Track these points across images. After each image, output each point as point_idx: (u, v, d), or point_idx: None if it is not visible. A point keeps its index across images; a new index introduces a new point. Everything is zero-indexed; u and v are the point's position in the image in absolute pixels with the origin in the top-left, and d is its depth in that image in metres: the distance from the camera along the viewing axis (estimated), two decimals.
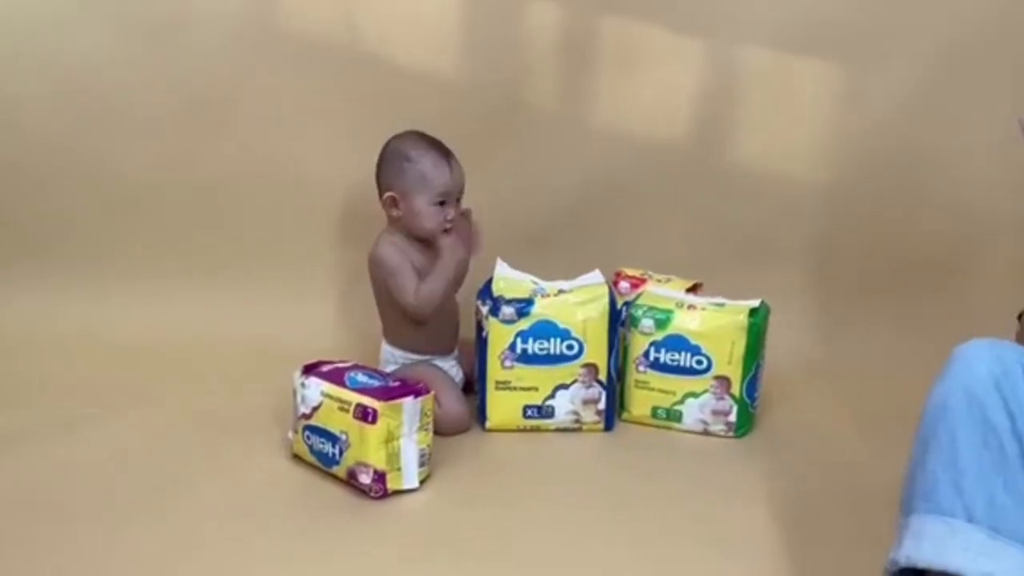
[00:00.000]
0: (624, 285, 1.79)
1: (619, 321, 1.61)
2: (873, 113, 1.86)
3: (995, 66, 1.81)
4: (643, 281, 1.78)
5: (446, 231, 1.60)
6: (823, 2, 1.85)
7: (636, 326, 1.62)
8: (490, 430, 1.59)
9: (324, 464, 1.41)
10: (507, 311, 1.56)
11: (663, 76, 1.90)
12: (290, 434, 1.46)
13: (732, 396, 1.58)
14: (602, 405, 1.60)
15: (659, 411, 1.62)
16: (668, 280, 1.78)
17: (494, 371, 1.58)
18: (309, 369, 1.45)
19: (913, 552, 0.92)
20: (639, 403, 1.63)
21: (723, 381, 1.58)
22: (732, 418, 1.59)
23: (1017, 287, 0.98)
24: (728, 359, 1.57)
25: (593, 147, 1.93)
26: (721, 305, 1.61)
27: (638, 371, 1.62)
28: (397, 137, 1.63)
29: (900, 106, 1.86)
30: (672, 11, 1.88)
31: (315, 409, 1.40)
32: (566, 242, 1.92)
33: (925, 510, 0.93)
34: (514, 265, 1.64)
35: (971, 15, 1.81)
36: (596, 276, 1.63)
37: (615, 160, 1.93)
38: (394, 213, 1.62)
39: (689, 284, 1.76)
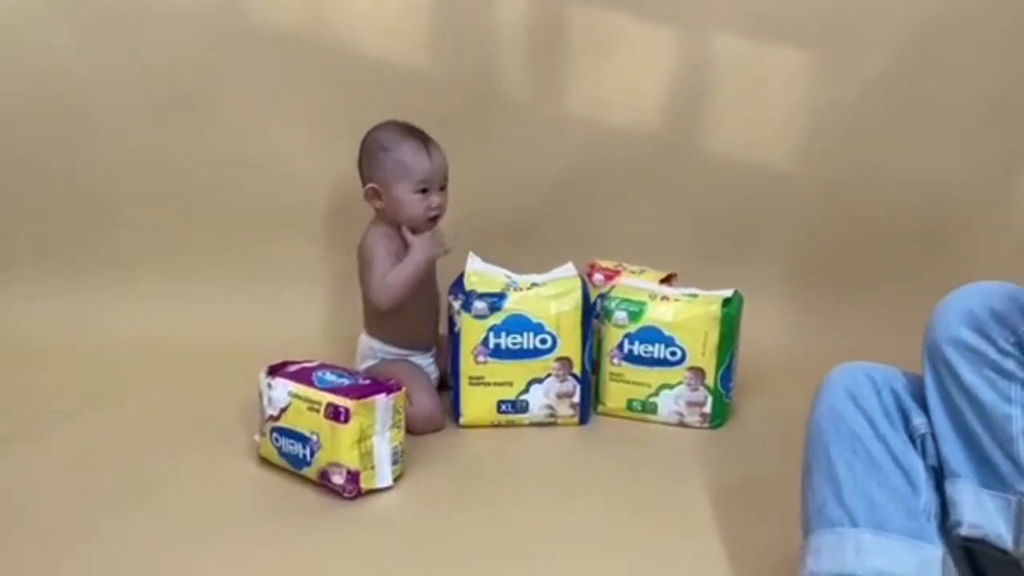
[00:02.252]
0: (598, 277, 1.78)
1: (593, 314, 1.60)
2: (846, 99, 1.86)
3: (963, 48, 1.81)
4: (617, 273, 1.77)
5: (433, 219, 1.59)
6: None
7: (610, 318, 1.61)
8: (464, 426, 1.58)
9: (294, 466, 1.39)
10: (479, 306, 1.55)
11: (636, 65, 1.89)
12: (257, 437, 1.44)
13: (707, 387, 1.58)
14: (577, 399, 1.59)
15: (634, 403, 1.61)
16: (642, 271, 1.77)
17: (467, 366, 1.56)
18: (275, 370, 1.43)
19: (815, 567, 0.98)
20: (614, 396, 1.62)
21: (697, 372, 1.57)
22: (707, 409, 1.59)
23: (995, 271, 1.02)
24: (702, 350, 1.57)
25: (566, 137, 1.92)
26: (694, 296, 1.60)
27: (612, 364, 1.61)
28: (376, 128, 1.61)
29: (872, 91, 1.86)
30: None
31: (283, 410, 1.38)
32: (539, 234, 1.91)
33: (818, 526, 1.00)
34: (487, 259, 1.63)
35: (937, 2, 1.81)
36: (569, 269, 1.62)
37: (588, 150, 1.92)
38: (377, 205, 1.60)
39: (663, 275, 1.75)
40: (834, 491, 0.98)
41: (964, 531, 0.94)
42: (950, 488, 0.97)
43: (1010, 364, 0.93)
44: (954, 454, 0.96)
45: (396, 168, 1.57)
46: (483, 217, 1.87)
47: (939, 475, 0.98)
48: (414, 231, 1.59)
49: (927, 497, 0.98)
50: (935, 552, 0.95)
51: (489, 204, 1.90)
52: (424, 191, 1.57)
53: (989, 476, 0.94)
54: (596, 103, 1.90)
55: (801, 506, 1.04)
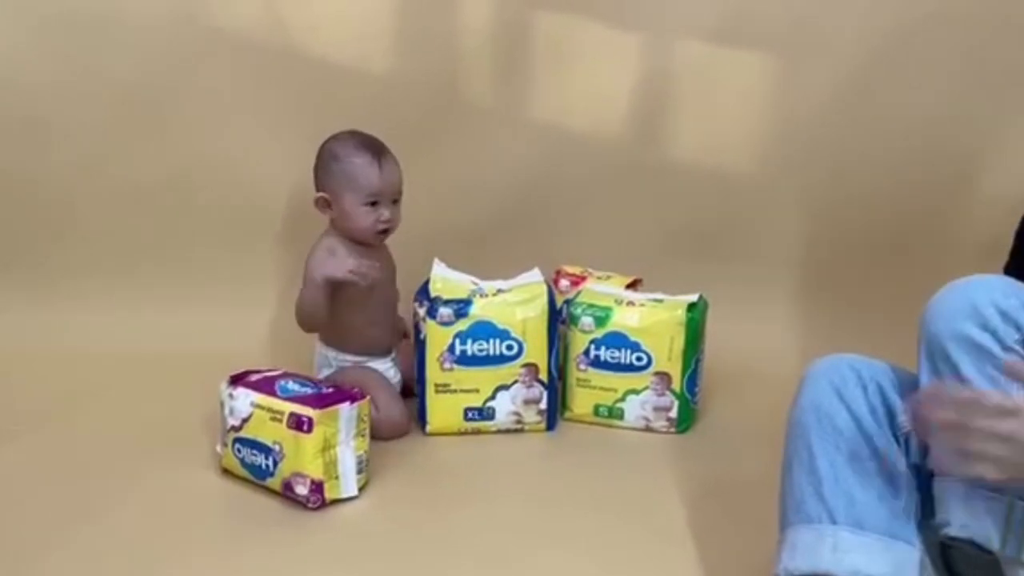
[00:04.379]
0: (564, 283, 1.78)
1: (559, 319, 1.59)
2: (807, 104, 1.87)
3: (925, 55, 1.83)
4: (583, 278, 1.77)
5: (382, 232, 1.58)
6: None
7: (576, 324, 1.61)
8: (431, 434, 1.57)
9: (257, 477, 1.36)
10: (444, 312, 1.54)
11: (599, 71, 1.89)
12: (219, 448, 1.41)
13: (673, 392, 1.58)
14: (543, 405, 1.58)
15: (601, 409, 1.61)
16: (608, 277, 1.77)
17: (433, 374, 1.55)
18: (236, 379, 1.40)
19: (790, 563, 0.97)
20: (581, 402, 1.62)
21: (663, 377, 1.57)
22: (673, 414, 1.59)
23: (963, 273, 1.03)
24: (668, 355, 1.57)
25: (531, 143, 1.91)
26: (660, 301, 1.60)
27: (579, 369, 1.61)
28: (332, 137, 1.60)
29: (833, 96, 1.87)
30: (607, 5, 1.87)
31: (245, 421, 1.36)
32: (505, 240, 1.90)
33: (796, 521, 0.99)
34: (452, 265, 1.62)
35: (897, 4, 1.83)
36: (535, 275, 1.62)
37: (553, 156, 1.92)
38: (328, 214, 1.59)
39: (629, 280, 1.76)
40: (814, 486, 0.97)
41: (953, 531, 0.93)
42: (938, 487, 0.95)
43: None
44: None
45: (346, 179, 1.55)
46: (449, 223, 1.85)
47: (920, 473, 0.97)
48: (364, 243, 1.58)
49: (908, 496, 0.97)
50: (913, 553, 0.95)
51: (454, 210, 1.89)
52: (374, 204, 1.56)
53: None
54: (561, 109, 1.90)
55: (780, 499, 1.02)
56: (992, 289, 0.93)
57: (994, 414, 0.80)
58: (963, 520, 0.92)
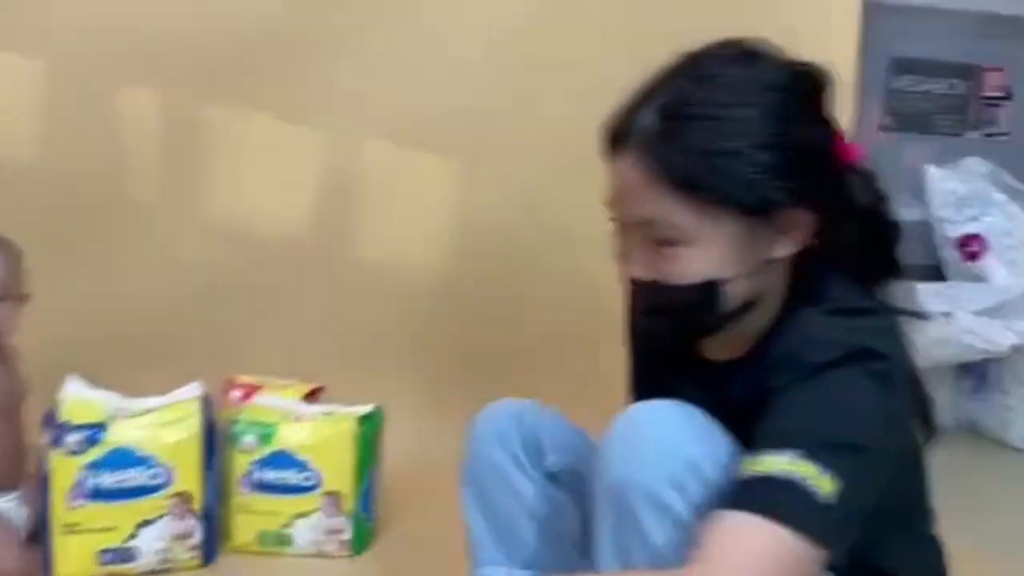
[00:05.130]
0: (235, 394, 1.63)
1: (215, 440, 1.44)
2: (490, 204, 1.88)
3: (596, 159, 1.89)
4: (257, 389, 1.63)
5: None
6: (439, 96, 1.85)
7: (236, 444, 1.46)
8: None
9: None
10: (72, 440, 1.34)
11: (280, 170, 1.81)
12: None
13: (345, 512, 1.46)
14: (197, 538, 1.41)
15: (267, 536, 1.46)
16: (286, 386, 1.64)
17: (60, 513, 1.33)
18: None
19: None
20: (244, 530, 1.46)
21: (334, 497, 1.46)
22: (346, 536, 1.47)
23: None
24: (338, 473, 1.46)
25: (205, 244, 1.79)
26: (330, 414, 1.50)
27: (241, 494, 1.46)
28: None
29: (519, 196, 1.89)
30: (285, 100, 1.80)
31: None
32: (172, 350, 1.73)
33: (475, 565, 1.08)
34: (110, 382, 1.43)
35: (574, 110, 1.89)
36: (192, 389, 1.46)
37: (229, 257, 1.80)
38: None
39: (308, 389, 1.64)
40: (487, 530, 1.06)
41: None
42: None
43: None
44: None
45: None
46: (101, 332, 1.67)
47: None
48: None
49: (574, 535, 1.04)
50: None
51: (110, 316, 1.70)
52: None
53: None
54: (237, 206, 1.79)
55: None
56: (683, 434, 0.85)
57: None
58: None
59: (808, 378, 0.81)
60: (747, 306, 0.89)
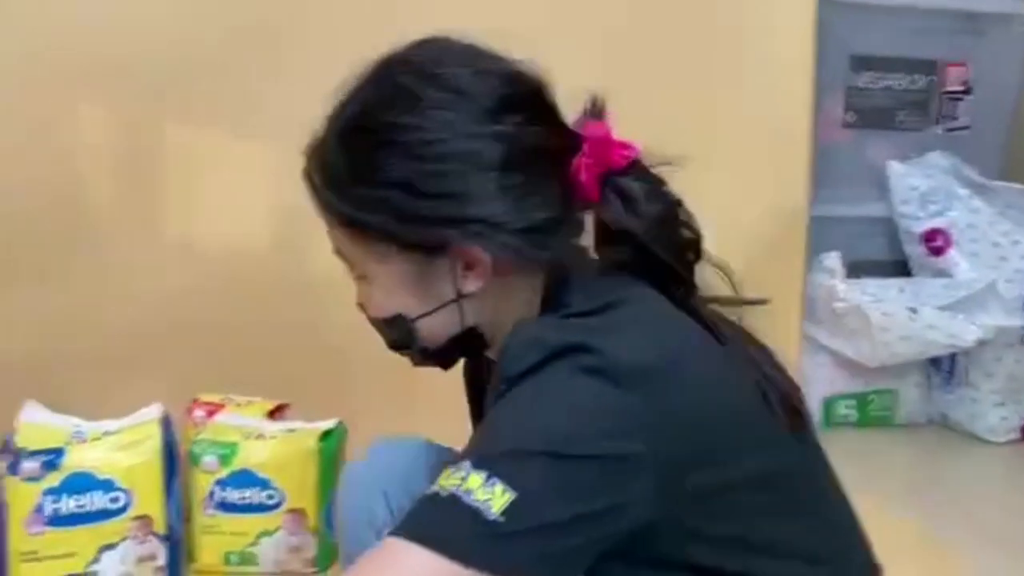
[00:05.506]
0: (199, 413, 1.61)
1: (176, 461, 1.43)
2: None
3: None
4: (221, 407, 1.62)
5: None
6: None
7: (197, 464, 1.45)
8: None
9: None
10: (29, 466, 1.33)
11: (238, 185, 1.78)
12: None
13: (309, 529, 1.46)
14: (162, 560, 1.40)
15: (232, 556, 1.46)
16: (248, 403, 1.63)
17: (18, 541, 1.32)
18: None
19: None
20: (209, 550, 1.46)
21: (297, 515, 1.45)
22: (310, 553, 1.46)
23: None
24: (301, 490, 1.45)
25: (164, 262, 1.76)
26: (292, 431, 1.49)
27: (204, 514, 1.45)
28: None
29: None
30: (242, 117, 1.77)
31: None
32: (134, 370, 1.71)
33: None
34: (61, 404, 1.42)
35: None
36: (152, 411, 1.45)
37: (190, 275, 1.77)
38: None
39: (272, 406, 1.62)
40: None
41: None
42: None
43: None
44: None
45: None
46: (64, 354, 1.65)
47: None
48: None
49: None
50: None
51: (72, 339, 1.68)
52: None
53: None
54: (196, 226, 1.78)
55: None
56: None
57: None
58: None
59: (509, 389, 0.73)
60: (471, 333, 0.83)
